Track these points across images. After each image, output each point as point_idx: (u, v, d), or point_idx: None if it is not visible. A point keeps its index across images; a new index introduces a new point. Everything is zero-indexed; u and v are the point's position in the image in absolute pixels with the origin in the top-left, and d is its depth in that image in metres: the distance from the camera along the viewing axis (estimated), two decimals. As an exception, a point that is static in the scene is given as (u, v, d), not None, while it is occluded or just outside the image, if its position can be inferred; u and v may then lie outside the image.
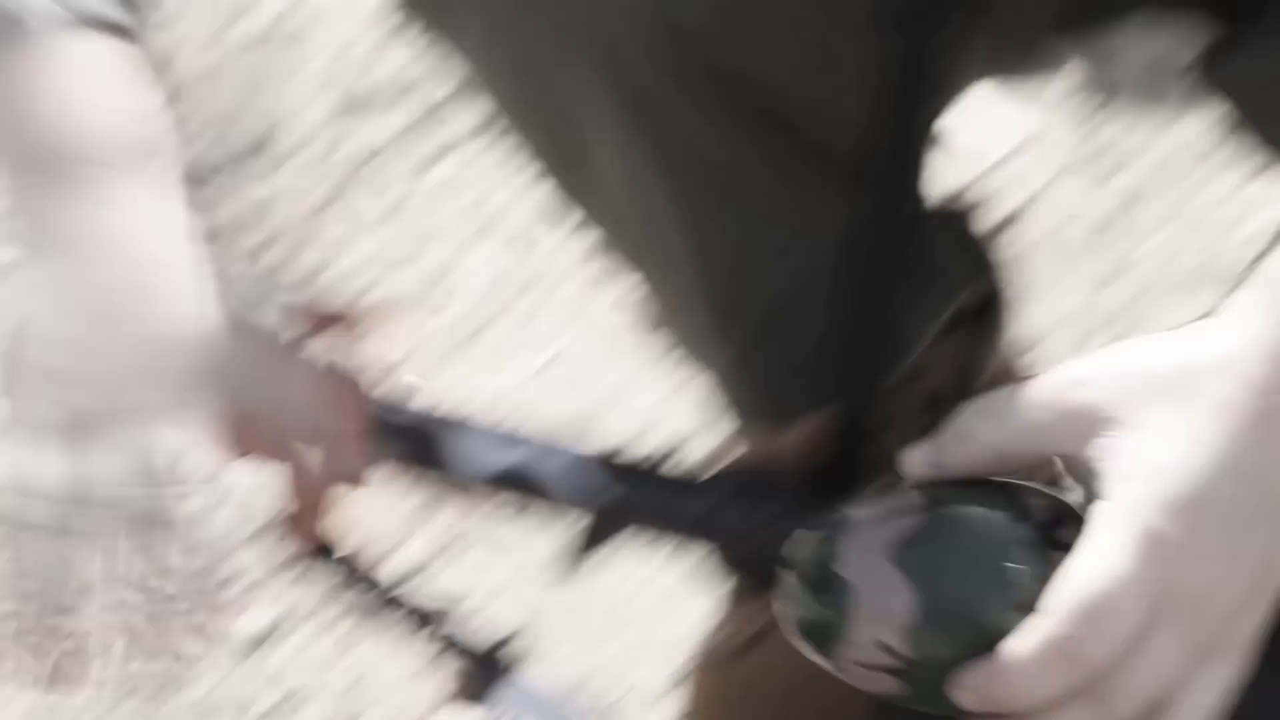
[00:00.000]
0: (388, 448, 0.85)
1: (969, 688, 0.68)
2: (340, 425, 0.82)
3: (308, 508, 0.86)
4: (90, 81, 0.74)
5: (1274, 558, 0.69)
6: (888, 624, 0.69)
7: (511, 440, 0.86)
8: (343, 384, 0.84)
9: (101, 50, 0.75)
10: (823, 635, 0.71)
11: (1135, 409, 0.68)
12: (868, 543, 0.70)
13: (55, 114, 0.74)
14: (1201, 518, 0.67)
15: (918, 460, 0.74)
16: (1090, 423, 0.69)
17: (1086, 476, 0.69)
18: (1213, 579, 0.68)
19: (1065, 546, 0.68)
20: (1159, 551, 0.66)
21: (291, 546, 0.90)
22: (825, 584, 0.71)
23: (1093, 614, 0.66)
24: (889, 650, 0.69)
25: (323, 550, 0.90)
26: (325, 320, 0.87)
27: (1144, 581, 0.66)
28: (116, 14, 0.75)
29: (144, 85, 0.76)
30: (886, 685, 0.70)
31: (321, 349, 0.85)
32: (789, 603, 0.73)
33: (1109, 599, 0.66)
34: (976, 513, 0.71)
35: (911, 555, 0.70)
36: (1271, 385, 0.66)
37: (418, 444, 0.85)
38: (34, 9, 0.73)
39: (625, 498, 0.85)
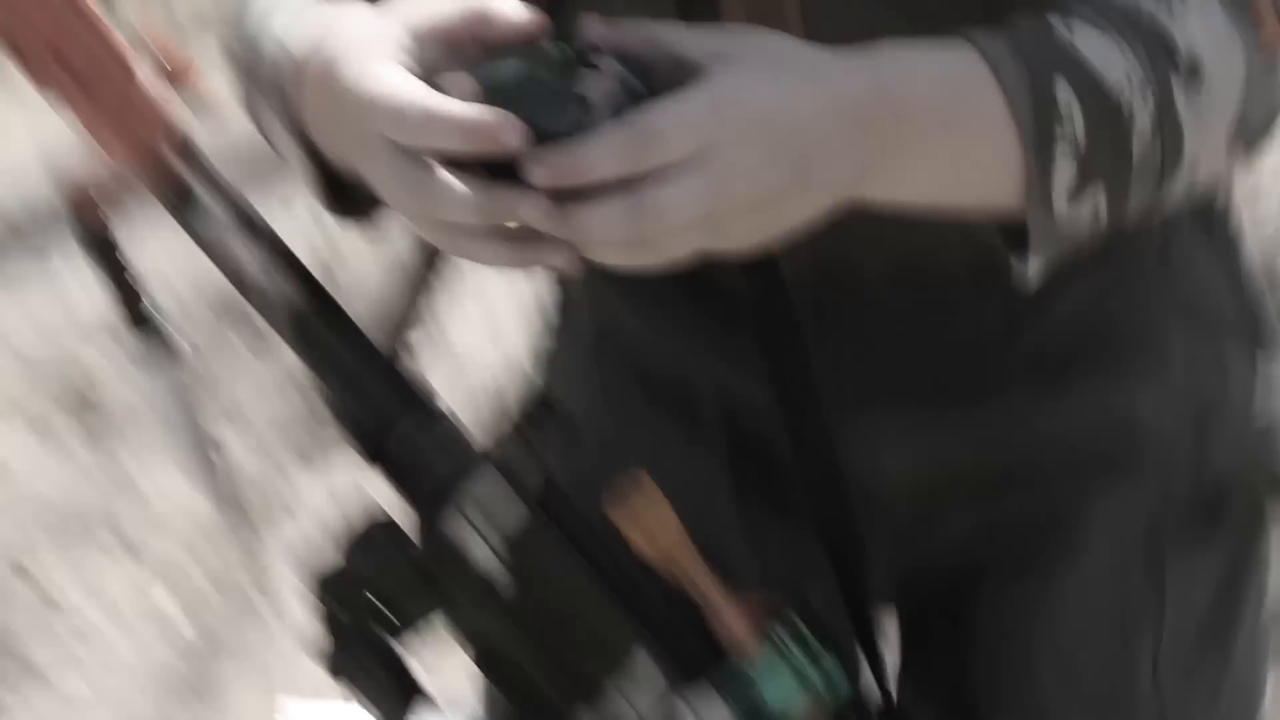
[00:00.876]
0: None
1: (548, 160, 0.84)
2: None
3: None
4: None
5: (790, 194, 0.88)
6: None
7: None
8: None
9: None
10: None
11: (764, 44, 0.90)
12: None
13: None
14: (766, 128, 0.86)
15: (593, 27, 0.91)
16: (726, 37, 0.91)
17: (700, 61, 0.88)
18: (751, 167, 0.86)
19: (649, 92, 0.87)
20: (723, 123, 0.85)
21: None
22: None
23: (663, 125, 0.84)
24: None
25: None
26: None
27: (701, 131, 0.85)
28: None
29: None
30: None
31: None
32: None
33: (677, 123, 0.85)
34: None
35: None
36: (863, 92, 0.89)
37: None
38: None
39: None
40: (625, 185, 0.85)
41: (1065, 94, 0.91)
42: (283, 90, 1.03)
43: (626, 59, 0.89)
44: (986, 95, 0.91)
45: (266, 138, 1.11)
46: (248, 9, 1.12)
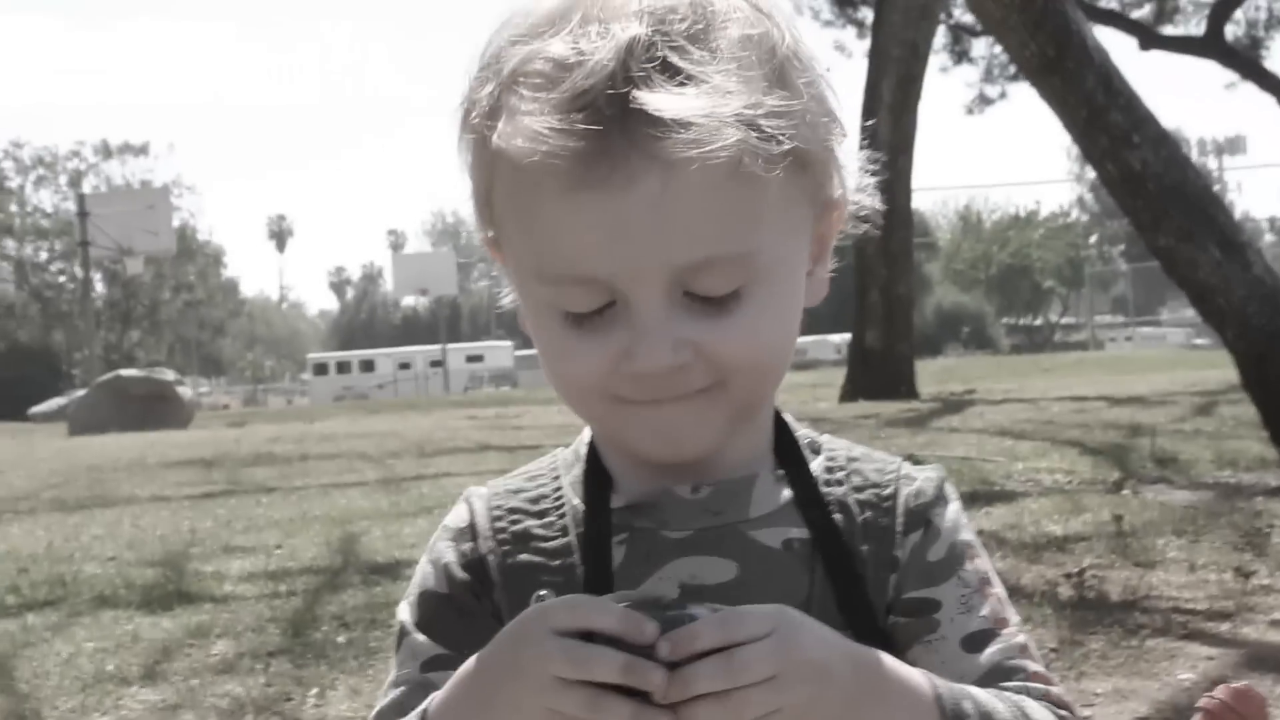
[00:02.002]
0: None
1: (671, 637, 1.28)
2: None
3: None
4: None
5: (825, 677, 1.32)
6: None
7: None
8: None
9: None
10: None
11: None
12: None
13: None
14: (813, 622, 1.36)
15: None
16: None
17: None
18: (806, 642, 1.32)
19: None
20: (786, 615, 1.34)
21: None
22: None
23: (747, 612, 1.32)
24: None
25: None
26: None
27: (772, 618, 1.32)
28: None
29: None
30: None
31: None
32: None
33: (758, 612, 1.32)
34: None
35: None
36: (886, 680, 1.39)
37: None
38: None
39: None
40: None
41: (969, 706, 1.41)
42: None
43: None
44: (928, 704, 1.39)
45: None
46: None
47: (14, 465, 19.38)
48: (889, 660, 1.40)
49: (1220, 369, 23.18)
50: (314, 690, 6.38)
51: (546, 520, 1.59)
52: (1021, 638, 1.55)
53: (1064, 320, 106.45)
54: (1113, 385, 23.71)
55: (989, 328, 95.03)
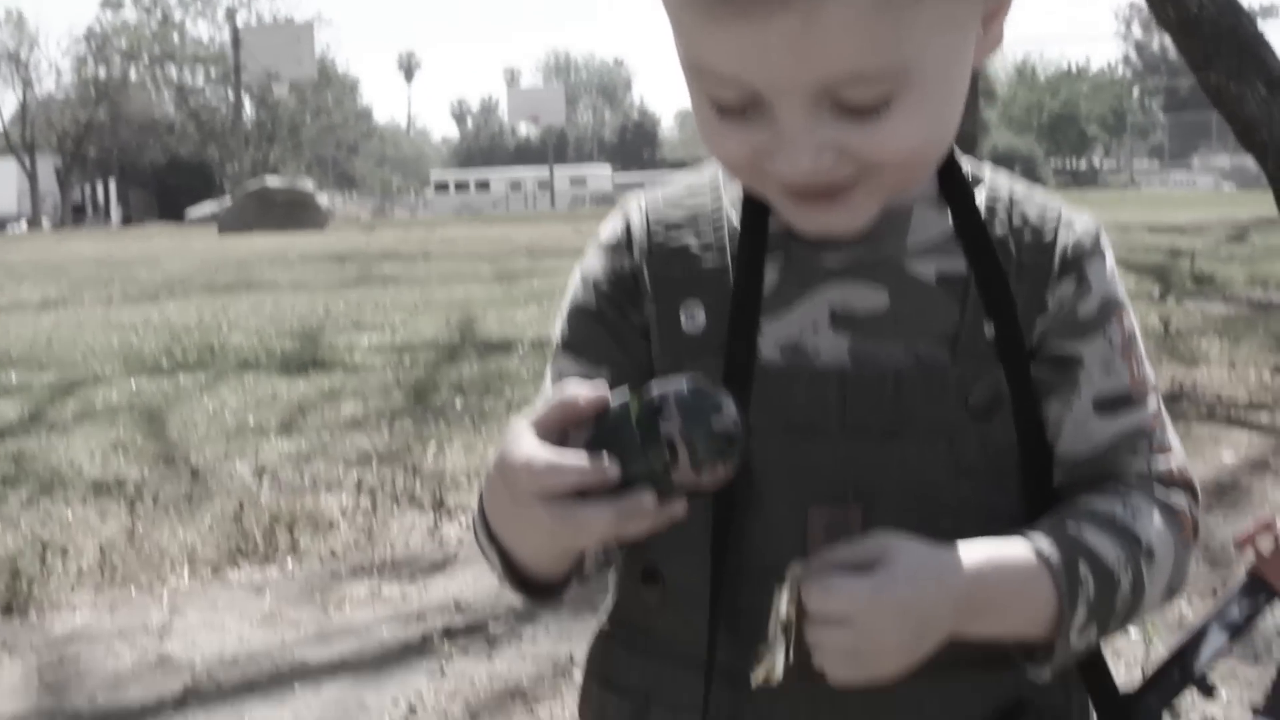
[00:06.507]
0: None
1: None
2: None
3: None
4: None
5: (906, 648, 1.21)
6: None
7: None
8: None
9: None
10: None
11: (910, 550, 1.22)
12: None
13: None
14: (901, 612, 1.19)
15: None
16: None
17: None
18: (884, 631, 1.19)
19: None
20: (873, 605, 1.18)
21: None
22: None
23: (837, 587, 1.18)
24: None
25: None
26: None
27: (858, 603, 1.17)
28: None
29: None
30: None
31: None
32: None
33: (846, 594, 1.18)
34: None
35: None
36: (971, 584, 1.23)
37: None
38: None
39: None
40: None
41: (1085, 570, 1.28)
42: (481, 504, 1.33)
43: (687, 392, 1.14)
44: (1040, 578, 1.26)
45: (484, 556, 1.37)
46: None
47: (171, 255, 19.66)
48: (995, 560, 1.27)
49: (1248, 206, 22.78)
50: (432, 445, 6.36)
51: (704, 238, 1.43)
52: (1154, 404, 1.40)
53: (1105, 164, 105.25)
54: (1152, 216, 23.48)
55: (1038, 168, 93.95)
